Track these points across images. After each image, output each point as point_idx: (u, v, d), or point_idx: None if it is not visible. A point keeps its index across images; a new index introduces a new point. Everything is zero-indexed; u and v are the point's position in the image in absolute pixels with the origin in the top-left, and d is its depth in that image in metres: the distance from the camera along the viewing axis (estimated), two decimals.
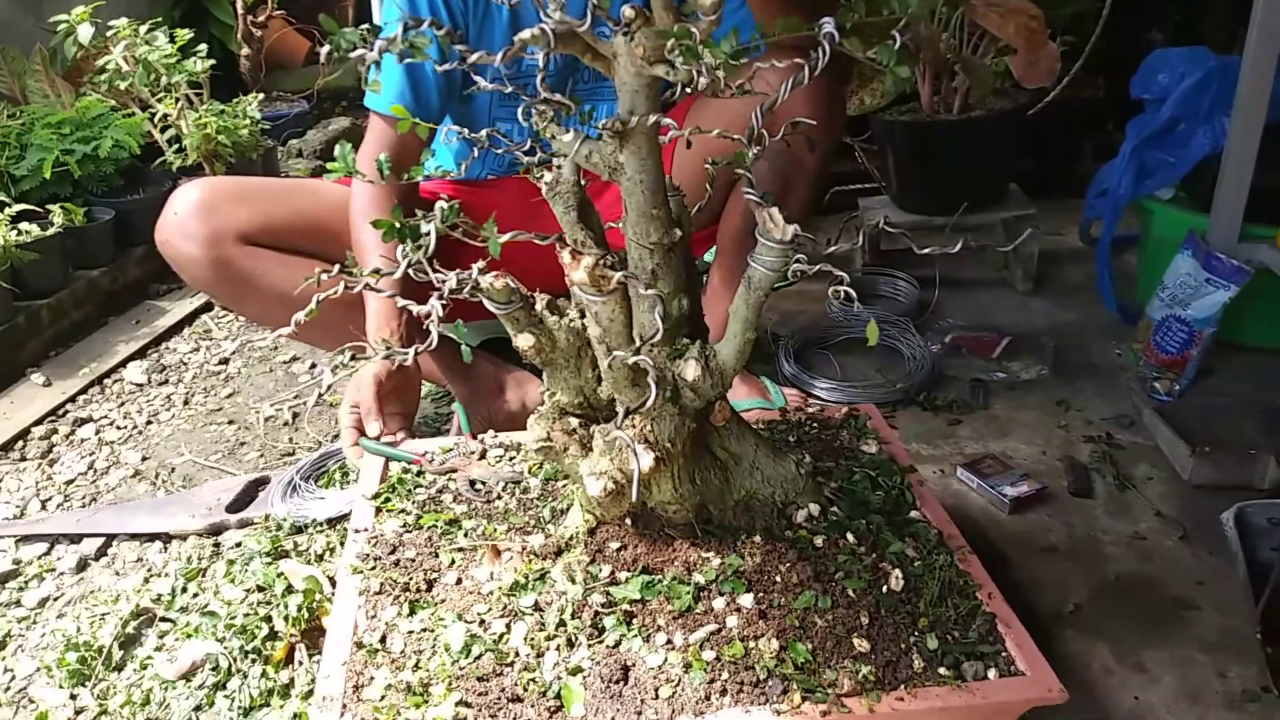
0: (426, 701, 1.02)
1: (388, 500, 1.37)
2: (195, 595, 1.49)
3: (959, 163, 2.33)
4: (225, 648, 1.34)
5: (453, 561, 1.23)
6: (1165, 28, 2.99)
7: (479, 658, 1.08)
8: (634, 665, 1.06)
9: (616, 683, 1.03)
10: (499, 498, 1.36)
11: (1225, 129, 1.93)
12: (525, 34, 0.91)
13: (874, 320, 1.09)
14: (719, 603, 1.12)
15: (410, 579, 1.20)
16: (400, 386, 1.65)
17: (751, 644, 1.07)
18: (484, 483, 1.39)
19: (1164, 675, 1.29)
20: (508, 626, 1.12)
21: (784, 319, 2.33)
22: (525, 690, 1.04)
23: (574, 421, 1.15)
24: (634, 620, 1.11)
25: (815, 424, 1.49)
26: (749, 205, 1.03)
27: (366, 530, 1.30)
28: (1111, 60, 2.71)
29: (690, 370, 1.08)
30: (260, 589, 1.45)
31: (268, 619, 1.38)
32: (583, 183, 1.09)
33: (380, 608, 1.16)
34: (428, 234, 1.00)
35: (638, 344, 1.05)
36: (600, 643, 1.09)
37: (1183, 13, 2.96)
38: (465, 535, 1.27)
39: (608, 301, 1.02)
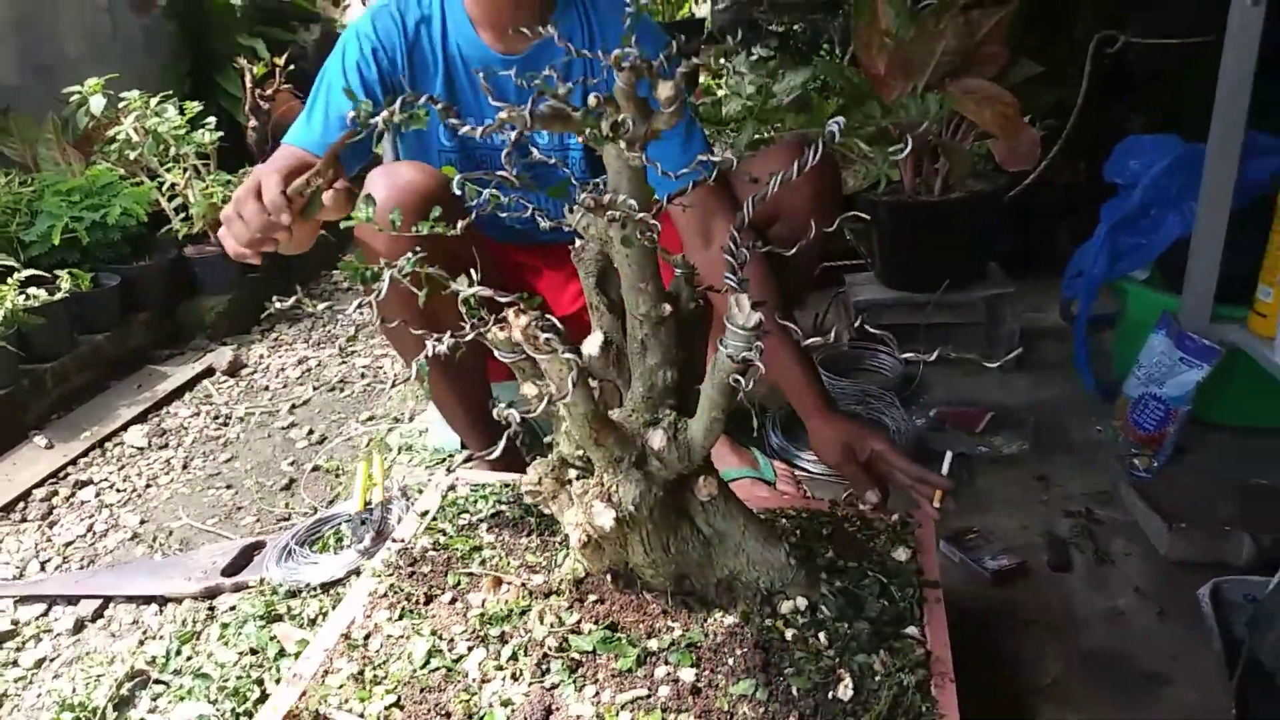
0: (369, 697, 1.12)
1: (435, 520, 1.46)
2: (189, 658, 1.52)
3: (940, 242, 2.40)
4: (217, 710, 1.36)
5: (458, 583, 1.31)
6: (1145, 113, 3.10)
7: (433, 671, 1.16)
8: (557, 710, 1.10)
9: None
10: (530, 533, 1.42)
11: (1194, 213, 2.01)
12: (503, 114, 0.96)
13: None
14: (660, 671, 1.14)
15: (414, 591, 1.29)
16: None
17: (671, 716, 1.08)
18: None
19: None
20: (469, 650, 1.19)
21: (772, 391, 2.38)
22: (455, 708, 1.10)
23: (571, 472, 1.20)
24: (578, 669, 1.15)
25: (858, 520, 1.45)
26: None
27: (401, 542, 1.40)
28: (1092, 145, 2.80)
29: (656, 439, 1.12)
30: (254, 652, 1.48)
31: (260, 682, 1.41)
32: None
33: (377, 610, 1.26)
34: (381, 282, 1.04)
35: (555, 400, 1.08)
36: (540, 683, 1.13)
37: (1161, 100, 3.06)
38: (481, 564, 1.35)
39: (552, 360, 1.06)
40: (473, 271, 1.07)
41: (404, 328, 1.12)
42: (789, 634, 1.19)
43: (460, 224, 1.05)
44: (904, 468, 1.56)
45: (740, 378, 1.04)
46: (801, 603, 1.23)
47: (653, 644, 1.18)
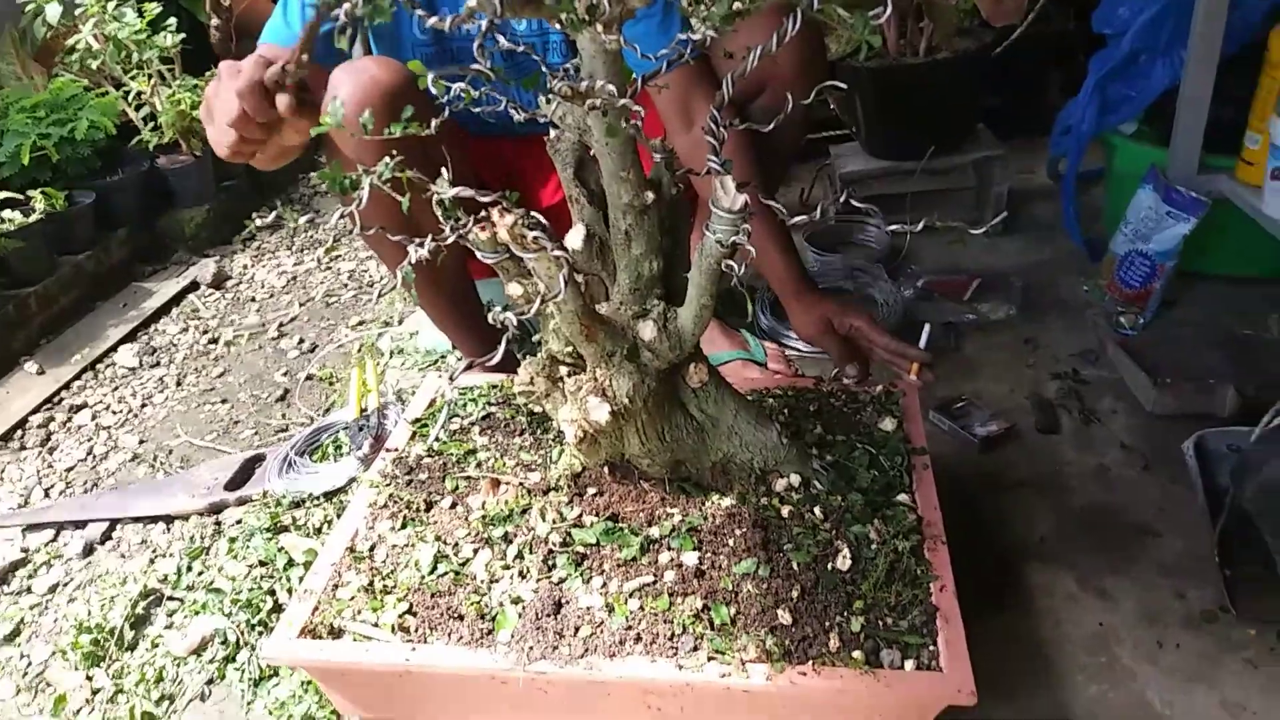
0: (382, 607, 1.15)
1: (424, 426, 1.48)
2: (200, 573, 1.56)
3: (926, 106, 2.35)
4: (232, 622, 1.40)
5: (456, 488, 1.33)
6: None
7: (441, 576, 1.19)
8: (568, 603, 1.13)
9: (547, 616, 1.11)
10: (522, 433, 1.43)
11: (1184, 61, 1.95)
12: (471, 2, 0.92)
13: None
14: (664, 557, 1.18)
15: (413, 499, 1.31)
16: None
17: (679, 600, 1.12)
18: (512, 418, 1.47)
19: (1125, 600, 1.36)
20: (474, 552, 1.22)
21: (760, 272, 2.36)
22: (468, 610, 1.13)
23: (563, 370, 1.21)
24: (584, 562, 1.18)
25: (843, 395, 1.47)
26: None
27: (395, 451, 1.42)
28: None
29: (647, 331, 1.13)
30: (263, 564, 1.51)
31: (271, 592, 1.44)
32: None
33: (379, 520, 1.29)
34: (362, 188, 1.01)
35: (547, 299, 1.06)
36: (548, 578, 1.17)
37: None
38: (477, 466, 1.37)
39: (540, 258, 1.03)
40: (446, 171, 1.04)
41: (384, 234, 1.09)
42: (785, 511, 1.23)
43: (434, 123, 1.01)
44: (882, 343, 1.57)
45: (731, 263, 1.03)
46: (795, 479, 1.26)
47: (654, 531, 1.21)
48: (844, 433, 1.38)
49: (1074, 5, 2.84)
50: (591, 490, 1.28)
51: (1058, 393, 1.80)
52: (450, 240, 1.01)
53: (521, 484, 1.31)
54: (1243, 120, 1.88)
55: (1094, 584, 1.38)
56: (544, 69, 1.04)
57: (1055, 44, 2.88)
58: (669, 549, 1.18)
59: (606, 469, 1.29)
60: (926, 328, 1.61)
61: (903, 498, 1.26)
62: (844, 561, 1.15)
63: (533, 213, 1.04)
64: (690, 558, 1.16)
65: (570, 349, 1.21)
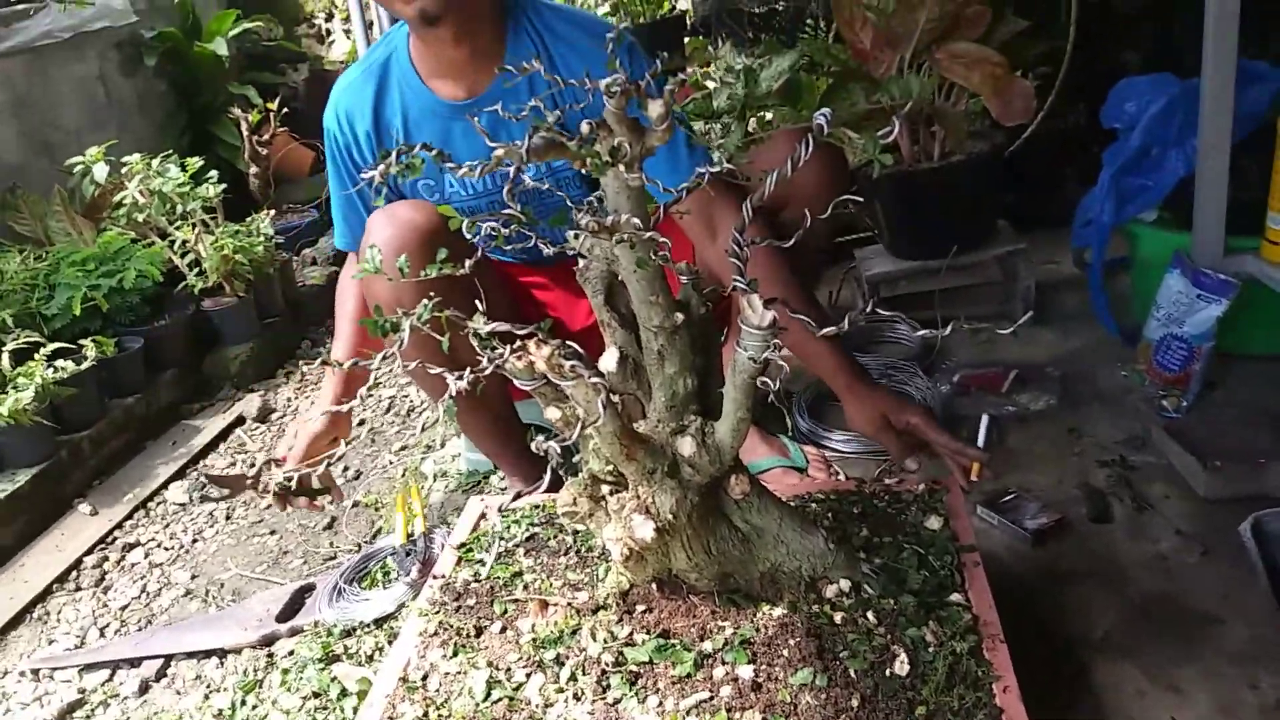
0: None
1: (469, 551, 1.49)
2: (254, 707, 1.55)
3: (944, 208, 2.40)
4: None
5: (504, 611, 1.33)
6: (1139, 50, 3.06)
7: (495, 702, 1.18)
8: None
9: None
10: (567, 552, 1.43)
11: (1196, 150, 1.99)
12: (499, 151, 0.98)
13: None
14: (719, 671, 1.16)
15: (463, 625, 1.31)
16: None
17: (737, 715, 1.10)
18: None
19: (1197, 693, 1.32)
20: (527, 676, 1.20)
21: (796, 373, 2.38)
22: None
23: (605, 489, 1.22)
24: (638, 681, 1.17)
25: (887, 496, 1.47)
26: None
27: (442, 578, 1.43)
28: (1091, 85, 2.77)
29: (686, 446, 1.14)
30: (316, 695, 1.51)
31: None
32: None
33: (430, 649, 1.29)
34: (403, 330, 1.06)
35: (586, 424, 1.09)
36: (603, 699, 1.15)
37: (1154, 34, 3.02)
38: (524, 589, 1.37)
39: (577, 385, 1.07)
40: (479, 303, 1.08)
41: (425, 367, 1.13)
42: (838, 617, 1.21)
43: (468, 262, 1.06)
44: (941, 441, 1.57)
45: (768, 380, 1.05)
46: (845, 585, 1.25)
47: (707, 645, 1.20)
48: (890, 534, 1.37)
49: (1083, 99, 2.91)
50: (641, 607, 1.27)
51: (1107, 481, 1.78)
52: (489, 371, 1.05)
53: (570, 604, 1.30)
54: (1261, 199, 1.91)
55: (1162, 677, 1.35)
56: (569, 203, 1.09)
57: (1066, 138, 2.94)
58: (723, 663, 1.17)
59: (654, 585, 1.28)
60: (984, 420, 1.59)
61: (956, 597, 1.24)
62: (902, 666, 1.14)
63: (567, 342, 1.08)
64: (745, 671, 1.15)
65: (611, 468, 1.23)
